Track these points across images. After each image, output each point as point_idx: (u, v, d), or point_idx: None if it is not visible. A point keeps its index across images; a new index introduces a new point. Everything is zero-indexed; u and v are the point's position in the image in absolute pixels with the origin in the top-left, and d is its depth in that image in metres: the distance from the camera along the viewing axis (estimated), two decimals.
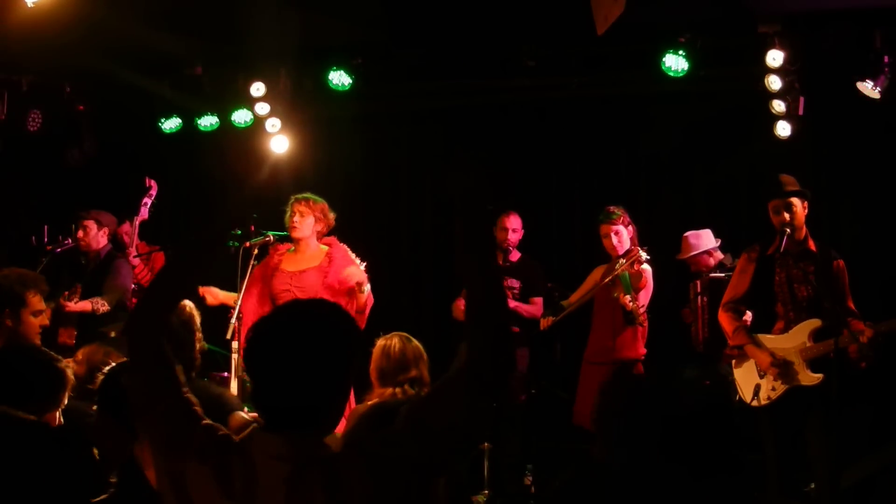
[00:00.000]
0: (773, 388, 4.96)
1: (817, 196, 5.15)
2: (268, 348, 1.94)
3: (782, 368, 4.92)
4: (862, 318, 4.95)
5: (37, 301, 4.16)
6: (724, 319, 5.21)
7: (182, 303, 4.19)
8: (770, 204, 5.11)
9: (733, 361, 5.21)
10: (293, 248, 5.82)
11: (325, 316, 1.99)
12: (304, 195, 5.82)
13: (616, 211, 6.06)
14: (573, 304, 6.15)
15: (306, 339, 1.94)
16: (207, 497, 1.86)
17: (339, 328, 1.97)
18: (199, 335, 4.17)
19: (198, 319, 4.11)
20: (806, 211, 5.08)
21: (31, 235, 6.45)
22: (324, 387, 1.93)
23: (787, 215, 5.03)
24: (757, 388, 4.98)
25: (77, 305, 6.13)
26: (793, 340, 4.97)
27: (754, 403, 4.97)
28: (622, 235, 6.06)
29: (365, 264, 5.72)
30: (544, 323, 6.09)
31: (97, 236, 6.56)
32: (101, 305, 6.18)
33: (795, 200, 5.04)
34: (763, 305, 5.14)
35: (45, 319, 4.23)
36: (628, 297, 5.72)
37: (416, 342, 4.29)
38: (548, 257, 7.10)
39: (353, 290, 5.56)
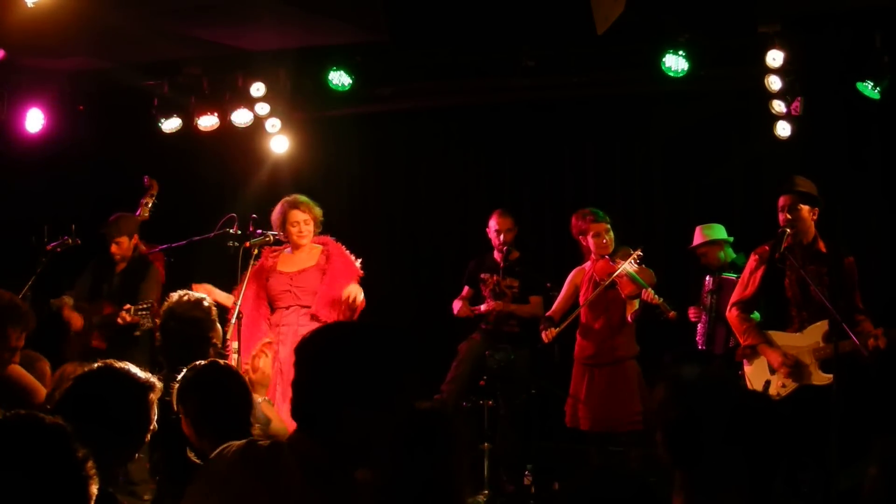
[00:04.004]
0: (784, 385, 5.00)
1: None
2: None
3: (794, 367, 4.96)
4: (870, 316, 5.00)
5: (15, 338, 3.70)
6: (734, 319, 5.22)
7: (200, 298, 4.19)
8: (778, 200, 5.13)
9: (745, 360, 5.23)
10: (289, 248, 5.80)
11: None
12: (301, 200, 5.76)
13: (600, 211, 6.09)
14: (569, 315, 6.10)
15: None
16: None
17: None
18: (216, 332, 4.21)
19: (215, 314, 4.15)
20: (815, 217, 5.09)
21: (31, 235, 6.42)
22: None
23: (784, 215, 5.05)
24: (767, 384, 5.00)
25: (131, 318, 5.98)
26: (806, 340, 5.02)
27: None
28: (611, 234, 6.08)
29: (360, 261, 5.72)
30: (547, 336, 6.04)
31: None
32: (146, 321, 5.98)
33: (801, 204, 5.05)
34: (776, 305, 5.16)
35: (18, 357, 3.78)
36: (652, 292, 5.71)
37: None
38: (545, 257, 7.09)
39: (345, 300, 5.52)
